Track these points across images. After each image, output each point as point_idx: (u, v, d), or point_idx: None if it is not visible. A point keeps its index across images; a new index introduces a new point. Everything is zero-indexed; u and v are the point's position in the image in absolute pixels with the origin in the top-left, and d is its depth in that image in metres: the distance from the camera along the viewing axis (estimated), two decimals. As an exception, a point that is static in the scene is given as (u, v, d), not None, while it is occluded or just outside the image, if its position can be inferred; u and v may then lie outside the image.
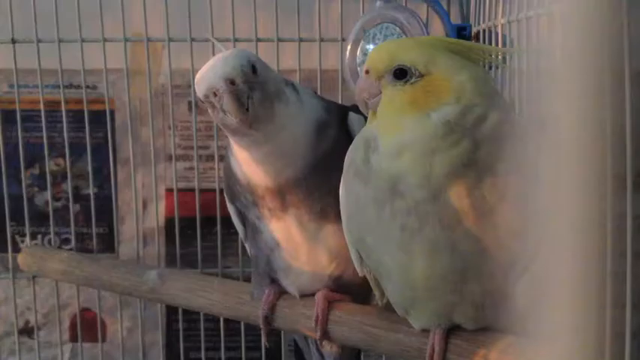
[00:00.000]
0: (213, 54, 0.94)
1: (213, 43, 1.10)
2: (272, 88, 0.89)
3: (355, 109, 0.97)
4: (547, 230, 0.35)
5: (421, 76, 0.76)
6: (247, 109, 0.85)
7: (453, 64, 0.78)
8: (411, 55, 0.77)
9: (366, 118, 0.95)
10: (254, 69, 0.87)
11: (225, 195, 1.01)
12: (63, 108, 1.29)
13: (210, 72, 0.86)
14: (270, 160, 0.90)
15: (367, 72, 0.80)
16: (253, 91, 0.86)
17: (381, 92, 0.79)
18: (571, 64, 0.34)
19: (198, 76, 0.88)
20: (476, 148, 0.74)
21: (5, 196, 1.31)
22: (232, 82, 0.85)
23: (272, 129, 0.88)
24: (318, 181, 0.90)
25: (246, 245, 1.04)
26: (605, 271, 0.36)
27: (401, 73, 0.77)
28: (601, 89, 0.35)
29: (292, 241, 0.94)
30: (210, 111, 0.89)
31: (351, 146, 0.83)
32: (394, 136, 0.76)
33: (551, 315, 0.35)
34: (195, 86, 0.88)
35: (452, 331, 0.82)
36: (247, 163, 0.91)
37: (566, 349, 0.35)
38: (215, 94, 0.85)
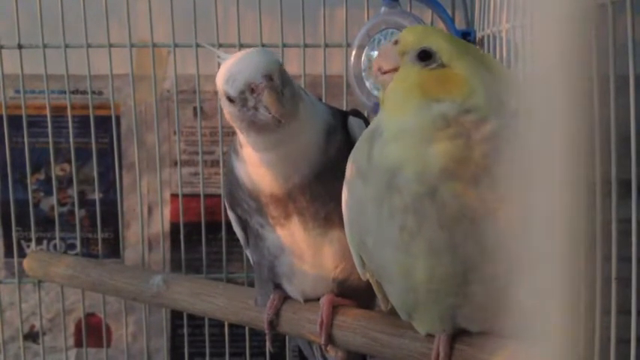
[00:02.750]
0: (219, 60, 0.94)
1: (219, 48, 1.10)
2: (294, 86, 0.90)
3: (354, 113, 0.97)
4: (539, 234, 0.36)
5: (441, 66, 0.77)
6: (282, 105, 0.86)
7: (475, 67, 0.78)
8: (442, 43, 0.78)
9: (366, 122, 0.95)
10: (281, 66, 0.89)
11: (225, 202, 1.01)
12: (69, 113, 1.30)
13: (247, 67, 0.87)
14: (284, 163, 0.90)
15: (396, 42, 0.79)
16: (284, 87, 0.88)
17: (397, 67, 0.78)
18: (556, 70, 0.34)
19: (228, 72, 0.87)
20: (470, 148, 0.74)
21: (11, 201, 1.31)
22: (270, 78, 0.86)
23: (296, 126, 0.89)
24: (323, 186, 0.91)
25: (247, 252, 1.04)
26: (595, 275, 0.36)
27: (425, 56, 0.77)
28: (589, 95, 0.35)
29: (296, 247, 0.94)
30: (234, 109, 0.88)
31: (353, 149, 0.83)
32: (397, 119, 0.77)
33: (542, 319, 0.36)
34: (226, 83, 0.87)
35: (457, 336, 0.82)
36: (257, 167, 0.91)
37: (554, 354, 0.35)
38: (253, 90, 0.86)
